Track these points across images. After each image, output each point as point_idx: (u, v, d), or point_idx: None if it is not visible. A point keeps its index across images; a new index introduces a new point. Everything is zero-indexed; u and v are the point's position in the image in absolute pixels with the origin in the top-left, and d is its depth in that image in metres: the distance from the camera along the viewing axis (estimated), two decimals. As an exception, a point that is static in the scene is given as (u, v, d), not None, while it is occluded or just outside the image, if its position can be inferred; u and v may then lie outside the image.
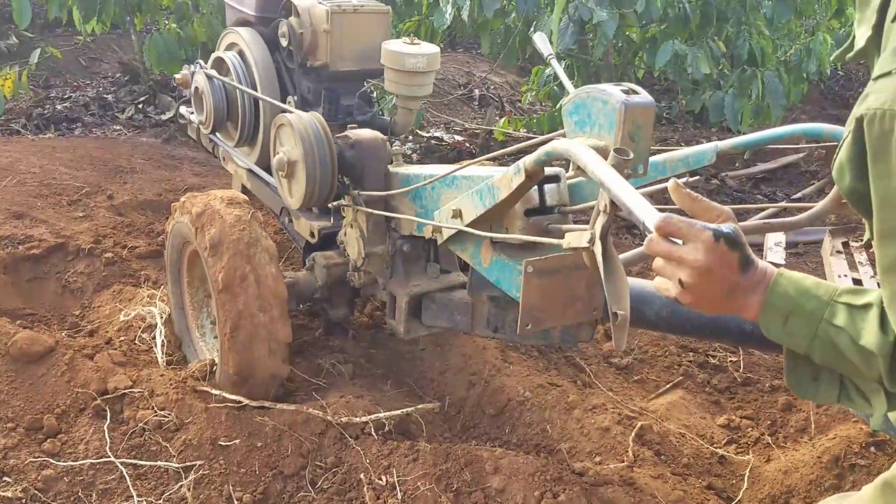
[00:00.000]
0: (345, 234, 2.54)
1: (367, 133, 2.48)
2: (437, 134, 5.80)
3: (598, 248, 1.33)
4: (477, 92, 7.21)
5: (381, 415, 2.38)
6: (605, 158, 1.35)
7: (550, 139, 1.66)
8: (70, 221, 3.53)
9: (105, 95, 5.83)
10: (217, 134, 3.21)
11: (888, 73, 0.92)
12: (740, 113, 4.23)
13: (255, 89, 2.93)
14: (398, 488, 2.17)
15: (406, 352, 2.84)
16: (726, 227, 1.06)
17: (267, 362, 2.40)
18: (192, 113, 3.27)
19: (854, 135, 0.95)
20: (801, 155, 5.47)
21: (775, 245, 3.89)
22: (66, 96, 5.82)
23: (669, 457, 2.40)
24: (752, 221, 1.89)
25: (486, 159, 2.14)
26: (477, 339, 2.84)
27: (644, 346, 2.96)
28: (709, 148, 2.14)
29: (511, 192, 1.73)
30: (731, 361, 2.90)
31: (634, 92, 1.51)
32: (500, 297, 2.05)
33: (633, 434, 2.40)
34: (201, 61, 3.14)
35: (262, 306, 2.37)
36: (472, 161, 2.18)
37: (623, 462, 2.31)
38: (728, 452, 2.45)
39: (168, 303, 2.86)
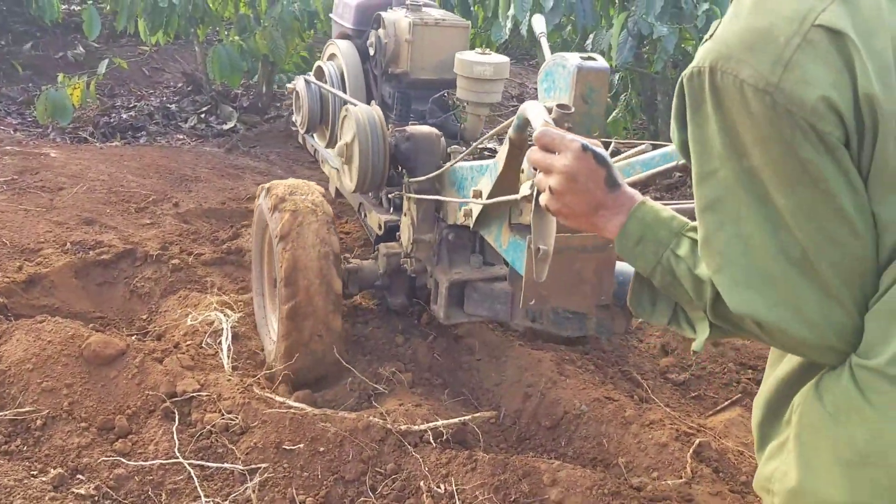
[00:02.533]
0: (401, 224, 2.71)
1: (422, 128, 2.67)
2: (490, 145, 5.85)
3: (533, 192, 1.41)
4: (530, 104, 7.24)
5: (439, 423, 2.42)
6: None
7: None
8: (138, 228, 3.65)
9: (168, 105, 6.00)
10: (313, 135, 3.50)
11: (706, 40, 1.01)
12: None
13: (345, 92, 3.17)
14: (456, 497, 2.20)
15: (464, 362, 2.88)
16: (596, 145, 1.16)
17: (316, 345, 2.59)
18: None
19: (678, 92, 1.03)
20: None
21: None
22: (130, 105, 6.01)
23: (728, 474, 2.39)
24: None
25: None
26: (533, 352, 2.86)
27: (702, 362, 2.94)
28: None
29: (505, 161, 1.88)
30: (790, 380, 2.87)
31: (592, 59, 1.62)
32: None
33: (691, 450, 2.39)
34: (310, 74, 3.50)
35: (317, 295, 2.55)
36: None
37: (681, 478, 2.30)
38: (788, 472, 2.43)
39: (235, 308, 2.96)
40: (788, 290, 0.98)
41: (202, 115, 5.84)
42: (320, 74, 3.41)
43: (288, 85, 3.61)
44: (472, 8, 4.74)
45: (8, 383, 2.52)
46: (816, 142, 0.91)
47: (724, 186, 0.99)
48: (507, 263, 2.29)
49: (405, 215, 2.67)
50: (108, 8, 5.15)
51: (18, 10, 7.17)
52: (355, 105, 2.68)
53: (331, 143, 3.32)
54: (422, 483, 2.26)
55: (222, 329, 2.88)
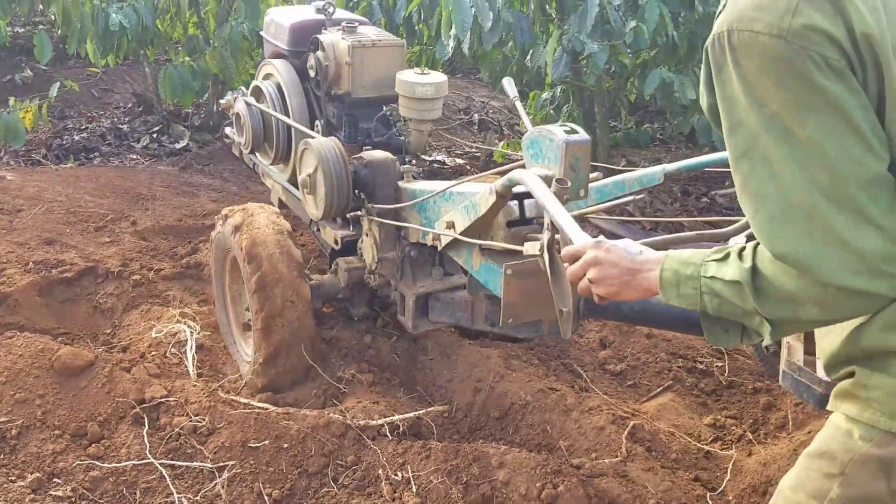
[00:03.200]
0: (362, 242, 2.89)
1: (379, 154, 2.83)
2: (439, 157, 6.06)
3: (546, 256, 1.69)
4: (476, 116, 7.48)
5: (396, 417, 2.61)
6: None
7: (516, 167, 2.13)
8: (98, 246, 3.77)
9: (120, 126, 6.08)
10: (256, 153, 3.58)
11: (719, 14, 1.19)
12: (726, 135, 4.47)
13: (288, 114, 3.29)
14: (413, 483, 2.39)
15: (419, 361, 3.07)
16: (599, 237, 1.41)
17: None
18: (235, 133, 3.63)
19: (704, 60, 1.22)
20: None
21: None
22: (82, 127, 6.08)
23: (660, 452, 2.62)
24: (686, 234, 2.21)
25: (476, 178, 2.49)
26: (481, 349, 3.07)
27: (637, 353, 3.18)
28: (658, 170, 2.53)
29: (488, 208, 2.10)
30: (717, 366, 3.13)
31: (574, 131, 1.88)
32: (496, 295, 2.35)
33: (626, 432, 2.62)
34: (243, 88, 3.57)
35: (289, 305, 2.71)
36: (465, 179, 2.53)
37: (617, 457, 2.52)
38: (713, 448, 2.67)
39: (196, 320, 3.11)
40: (824, 221, 1.09)
41: (154, 135, 5.93)
42: (258, 94, 3.49)
43: (222, 101, 3.66)
44: (416, 27, 4.95)
45: (-19, 397, 2.64)
46: (827, 69, 1.08)
47: (752, 134, 1.14)
48: (465, 273, 2.51)
49: (367, 235, 2.84)
50: (58, 32, 5.22)
51: (-37, 34, 7.18)
52: (314, 137, 2.82)
53: (276, 161, 3.45)
54: (380, 472, 2.44)
55: (186, 340, 3.02)
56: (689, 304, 1.29)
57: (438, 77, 2.94)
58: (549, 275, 1.69)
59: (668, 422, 2.79)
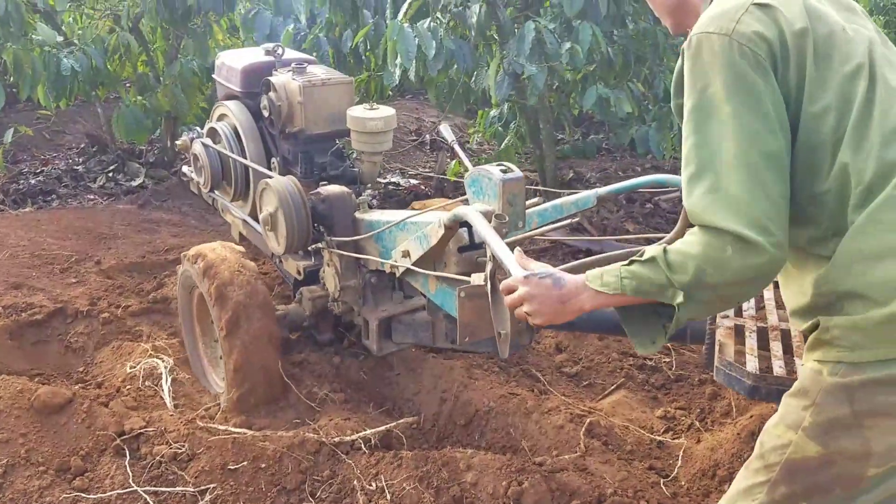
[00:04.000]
0: (324, 272, 3.03)
1: (335, 189, 2.97)
2: (394, 179, 6.24)
3: (488, 285, 1.92)
4: (428, 137, 7.67)
5: (368, 432, 2.76)
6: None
7: (459, 202, 2.42)
8: (65, 287, 3.85)
9: (76, 167, 6.14)
10: (215, 191, 3.69)
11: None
12: (663, 144, 4.73)
13: (244, 154, 3.41)
14: (387, 491, 2.54)
15: (386, 377, 3.22)
16: (537, 269, 1.58)
17: (264, 388, 2.88)
18: (192, 172, 3.74)
19: (680, 61, 1.49)
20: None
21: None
22: (38, 170, 6.12)
23: (616, 446, 2.80)
24: (616, 252, 2.42)
25: (423, 209, 2.72)
26: (444, 362, 3.23)
27: (590, 355, 3.38)
28: (591, 194, 2.77)
29: (438, 240, 2.32)
30: (665, 362, 3.34)
31: (510, 170, 2.16)
32: (453, 315, 2.52)
33: (583, 429, 2.80)
34: (197, 128, 3.70)
35: (258, 342, 2.84)
36: (416, 212, 2.71)
37: (576, 453, 2.70)
38: (665, 438, 2.87)
39: (169, 352, 3.22)
40: (728, 178, 1.34)
41: (110, 174, 6.01)
42: (214, 135, 3.59)
43: (178, 143, 3.74)
44: (363, 56, 5.12)
45: (-36, 440, 2.72)
46: (755, 63, 1.38)
47: (693, 110, 1.42)
48: (424, 296, 2.68)
49: (328, 265, 3.00)
50: (11, 79, 5.29)
51: None
52: (272, 177, 2.95)
53: (235, 198, 3.55)
54: (356, 483, 2.59)
55: (160, 373, 3.14)
56: (612, 288, 1.47)
57: (387, 111, 3.11)
58: (490, 301, 1.91)
59: (623, 417, 2.98)
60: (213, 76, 3.84)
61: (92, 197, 5.63)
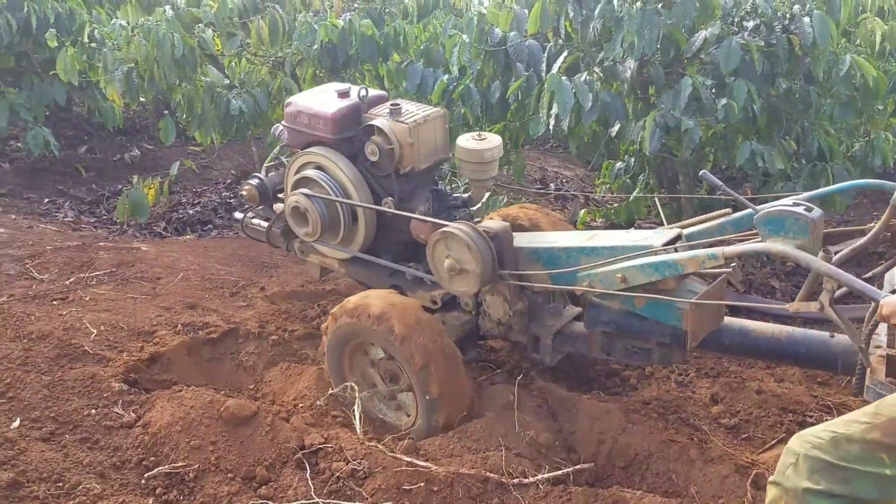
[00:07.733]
0: (485, 300, 3.25)
1: (498, 225, 3.18)
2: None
3: (829, 311, 2.30)
4: (553, 186, 7.80)
5: (546, 475, 2.82)
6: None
7: (744, 238, 2.79)
8: (236, 310, 4.12)
9: (229, 199, 6.54)
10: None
11: None
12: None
13: (347, 197, 3.49)
14: (557, 524, 2.60)
15: (539, 415, 3.29)
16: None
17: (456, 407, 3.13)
18: (255, 219, 3.98)
19: None
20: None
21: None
22: (195, 201, 6.56)
23: (783, 500, 2.78)
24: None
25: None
26: (601, 404, 3.29)
27: (748, 408, 3.36)
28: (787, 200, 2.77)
29: (699, 269, 2.62)
30: (826, 419, 3.28)
31: (812, 209, 2.43)
32: (610, 331, 2.99)
33: (749, 480, 2.80)
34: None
35: (447, 371, 3.07)
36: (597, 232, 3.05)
37: (743, 503, 2.70)
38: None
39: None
40: None
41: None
42: (307, 183, 3.54)
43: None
44: (511, 106, 5.29)
45: (160, 443, 2.95)
46: None
47: None
48: (587, 310, 3.03)
49: (492, 294, 3.21)
50: (185, 118, 5.73)
51: (65, 115, 7.83)
52: (448, 226, 3.07)
53: (344, 242, 3.58)
54: (526, 513, 2.66)
55: (329, 392, 3.31)
56: None
57: (496, 140, 3.42)
58: (841, 325, 2.31)
59: (787, 472, 2.95)
60: (283, 123, 3.72)
61: (245, 229, 5.98)
